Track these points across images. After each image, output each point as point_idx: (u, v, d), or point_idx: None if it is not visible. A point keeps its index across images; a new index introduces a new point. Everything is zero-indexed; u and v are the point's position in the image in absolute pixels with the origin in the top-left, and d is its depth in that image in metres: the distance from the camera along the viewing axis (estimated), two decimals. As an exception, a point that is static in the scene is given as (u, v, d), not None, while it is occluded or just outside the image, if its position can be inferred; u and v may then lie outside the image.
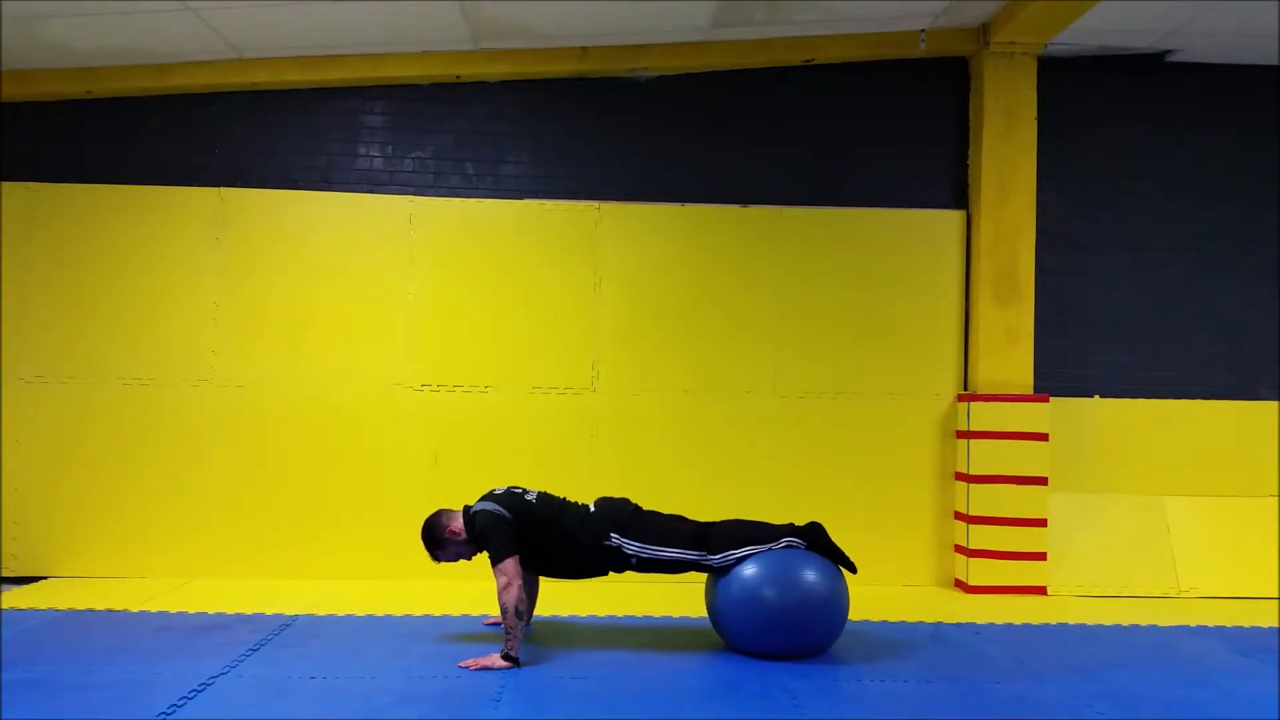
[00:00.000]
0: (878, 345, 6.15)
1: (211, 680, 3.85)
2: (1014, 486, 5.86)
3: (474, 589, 5.24)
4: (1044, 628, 5.04)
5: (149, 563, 5.84)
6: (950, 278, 6.20)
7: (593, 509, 4.48)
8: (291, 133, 6.08)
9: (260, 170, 6.06)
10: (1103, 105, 6.29)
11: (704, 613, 4.67)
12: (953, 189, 6.26)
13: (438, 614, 5.00)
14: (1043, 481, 5.90)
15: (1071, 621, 5.15)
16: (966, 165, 6.26)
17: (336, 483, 5.92)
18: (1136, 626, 5.09)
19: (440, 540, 4.39)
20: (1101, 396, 6.21)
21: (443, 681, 3.91)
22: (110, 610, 5.00)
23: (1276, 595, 5.83)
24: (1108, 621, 5.16)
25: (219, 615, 4.90)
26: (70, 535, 5.85)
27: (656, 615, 5.04)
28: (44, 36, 5.52)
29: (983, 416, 5.90)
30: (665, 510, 4.55)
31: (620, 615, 5.03)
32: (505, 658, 4.07)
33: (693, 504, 4.83)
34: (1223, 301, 6.30)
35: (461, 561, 4.47)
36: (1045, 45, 6.04)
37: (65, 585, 5.62)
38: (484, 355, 6.02)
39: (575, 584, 4.62)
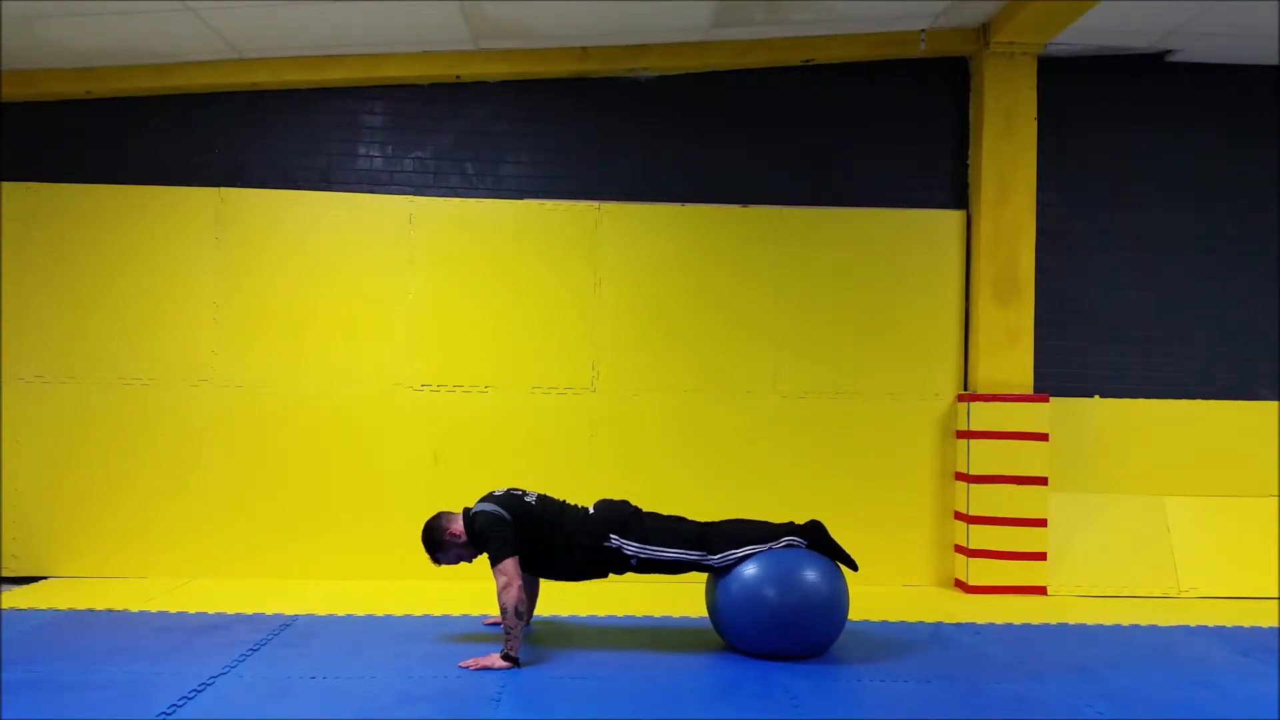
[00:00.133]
0: (878, 345, 6.15)
1: (211, 680, 3.86)
2: (1014, 486, 5.86)
3: (474, 589, 5.25)
4: (1044, 628, 5.04)
5: (149, 563, 5.84)
6: (950, 278, 6.20)
7: (592, 511, 4.48)
8: (291, 133, 6.08)
9: (260, 170, 6.06)
10: (1103, 105, 6.29)
11: (704, 613, 4.68)
12: (953, 189, 6.26)
13: (438, 614, 5.00)
14: (1043, 481, 5.90)
15: (1071, 621, 5.15)
16: (966, 165, 6.26)
17: (336, 483, 5.92)
18: (1136, 626, 5.09)
19: (440, 542, 4.39)
20: (1101, 396, 6.21)
21: (443, 681, 3.91)
22: (110, 610, 5.00)
23: (1276, 595, 5.83)
24: (1108, 621, 5.16)
25: (219, 615, 4.90)
26: (70, 535, 5.85)
27: (656, 615, 5.04)
28: (44, 36, 5.52)
29: (983, 416, 5.90)
30: (665, 511, 4.55)
31: (620, 615, 5.03)
32: (505, 658, 4.07)
33: (693, 504, 4.84)
34: (1223, 301, 6.30)
35: (461, 563, 4.48)
36: (1045, 45, 6.04)
37: (65, 585, 5.62)
38: (484, 355, 6.03)
39: (575, 584, 4.62)
